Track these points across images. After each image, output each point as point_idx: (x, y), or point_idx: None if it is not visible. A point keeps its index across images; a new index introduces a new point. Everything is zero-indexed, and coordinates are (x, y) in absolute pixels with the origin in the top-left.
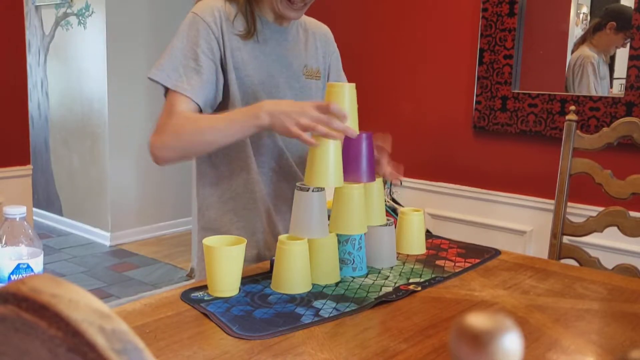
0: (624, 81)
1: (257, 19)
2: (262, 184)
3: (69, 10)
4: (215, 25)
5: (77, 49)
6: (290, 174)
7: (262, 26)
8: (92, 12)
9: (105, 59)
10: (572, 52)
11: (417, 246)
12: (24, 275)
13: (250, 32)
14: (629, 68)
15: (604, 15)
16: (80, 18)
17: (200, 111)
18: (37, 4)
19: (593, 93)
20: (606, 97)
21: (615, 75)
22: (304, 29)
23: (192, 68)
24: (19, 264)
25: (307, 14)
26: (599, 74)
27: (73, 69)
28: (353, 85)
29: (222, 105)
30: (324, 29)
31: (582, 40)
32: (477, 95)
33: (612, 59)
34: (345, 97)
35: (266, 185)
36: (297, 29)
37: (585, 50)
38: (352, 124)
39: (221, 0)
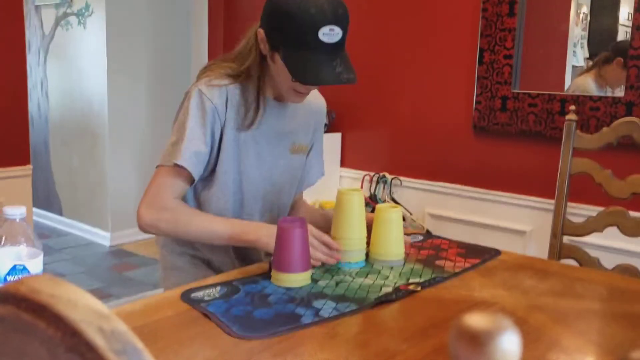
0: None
1: (263, 99)
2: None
3: (69, 10)
4: (222, 107)
5: (77, 49)
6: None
7: (270, 108)
8: (92, 12)
9: (105, 59)
10: (572, 78)
11: (393, 250)
12: (20, 276)
13: (252, 123)
14: (629, 68)
15: (613, 49)
16: (80, 18)
17: (193, 181)
18: (37, 4)
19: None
20: (606, 97)
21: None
22: (303, 102)
23: (197, 147)
24: (15, 265)
25: None
26: None
27: (73, 69)
28: (361, 193)
29: (211, 170)
30: (321, 103)
31: (587, 69)
32: (477, 95)
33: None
34: (355, 204)
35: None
36: (295, 104)
37: (589, 82)
38: (360, 228)
39: (228, 79)
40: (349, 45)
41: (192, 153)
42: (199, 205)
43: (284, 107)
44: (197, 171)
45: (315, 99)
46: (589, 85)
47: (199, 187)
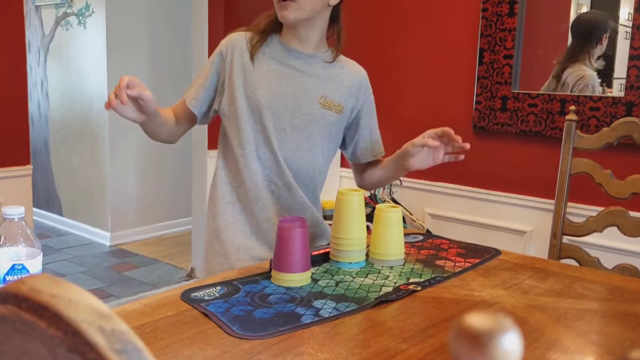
0: (624, 81)
1: (283, 47)
2: (266, 192)
3: (69, 10)
4: (227, 51)
5: (77, 49)
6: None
7: (287, 52)
8: (92, 12)
9: (105, 59)
10: (563, 62)
11: (393, 250)
12: (19, 276)
13: (252, 55)
14: (629, 68)
15: (601, 28)
16: (80, 18)
17: (195, 118)
18: (37, 4)
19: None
20: (606, 97)
21: (615, 75)
22: (336, 65)
23: (200, 84)
24: (14, 265)
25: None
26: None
27: (73, 69)
28: (361, 193)
29: (232, 115)
30: (361, 72)
31: (578, 56)
32: (477, 95)
33: (612, 58)
34: (355, 205)
35: (271, 195)
36: (324, 62)
37: (584, 69)
38: (360, 229)
39: (243, 33)
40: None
41: (194, 91)
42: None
43: (310, 61)
44: (198, 108)
45: (354, 68)
46: (590, 73)
47: (225, 142)
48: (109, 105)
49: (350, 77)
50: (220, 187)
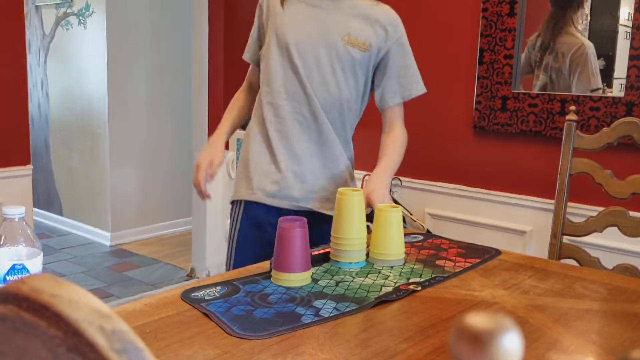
0: (624, 81)
1: None
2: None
3: (69, 10)
4: (264, 0)
5: (77, 49)
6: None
7: None
8: (92, 12)
9: (105, 59)
10: (549, 32)
11: (393, 250)
12: (19, 276)
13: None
14: (629, 68)
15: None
16: (81, 18)
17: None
18: (37, 4)
19: (595, 86)
20: (606, 97)
21: (615, 75)
22: (366, 6)
23: (251, 38)
24: (14, 265)
25: None
26: (595, 67)
27: (73, 69)
28: (361, 193)
29: (265, 56)
30: (392, 15)
31: (562, 24)
32: (477, 95)
33: (612, 58)
34: (354, 205)
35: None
36: (353, 3)
37: (578, 36)
38: (360, 229)
39: None
40: None
41: (248, 45)
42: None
43: (340, 1)
44: (253, 60)
45: (384, 10)
46: (586, 41)
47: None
48: (204, 198)
49: (379, 18)
50: (254, 122)
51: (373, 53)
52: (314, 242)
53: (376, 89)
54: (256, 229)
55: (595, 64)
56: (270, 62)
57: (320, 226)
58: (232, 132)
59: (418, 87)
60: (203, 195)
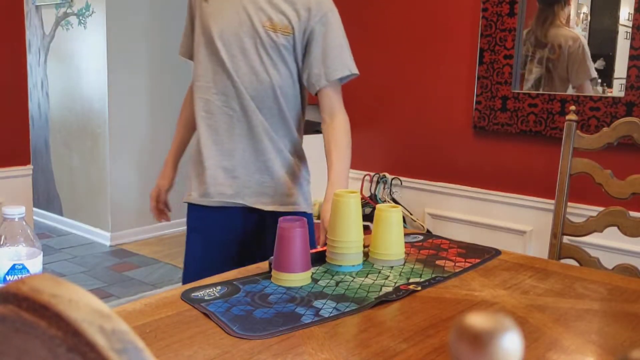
0: (624, 81)
1: None
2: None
3: (69, 10)
4: None
5: (77, 49)
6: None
7: None
8: (93, 12)
9: (105, 58)
10: (539, 28)
11: (394, 250)
12: (19, 275)
13: None
14: (629, 68)
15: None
16: (81, 18)
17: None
18: (37, 4)
19: (594, 75)
20: (606, 97)
21: (615, 75)
22: None
23: (184, 34)
24: (14, 265)
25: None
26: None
27: (73, 69)
28: (358, 195)
29: (195, 51)
30: None
31: (551, 20)
32: (477, 95)
33: (612, 58)
34: (351, 207)
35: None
36: None
37: (572, 31)
38: (357, 231)
39: None
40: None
41: (182, 41)
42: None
43: None
44: (186, 54)
45: None
46: (579, 33)
47: None
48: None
49: (301, 1)
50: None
51: (297, 35)
52: (258, 238)
53: (302, 71)
54: (197, 232)
55: (589, 55)
56: (199, 56)
57: (259, 222)
58: (182, 149)
59: (344, 69)
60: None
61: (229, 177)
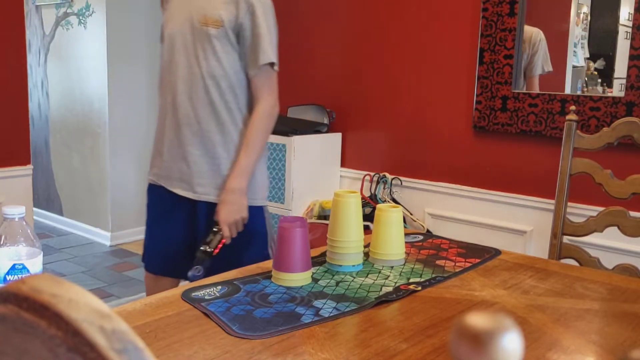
0: (624, 81)
1: None
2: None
3: (69, 10)
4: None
5: (77, 49)
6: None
7: None
8: (93, 12)
9: (105, 58)
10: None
11: (394, 250)
12: (19, 275)
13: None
14: (629, 68)
15: None
16: (81, 18)
17: None
18: (37, 4)
19: (549, 69)
20: (606, 97)
21: (615, 75)
22: None
23: (160, 38)
24: (14, 265)
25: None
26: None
27: (73, 69)
28: (358, 195)
29: None
30: None
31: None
32: (477, 95)
33: (612, 58)
34: (351, 207)
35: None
36: None
37: (533, 28)
38: (357, 231)
39: None
40: (350, 45)
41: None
42: None
43: None
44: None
45: None
46: (536, 29)
47: None
48: None
49: None
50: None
51: (228, 27)
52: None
53: (241, 59)
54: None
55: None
56: (161, 60)
57: (177, 203)
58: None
59: (263, 57)
60: None
61: (159, 161)
